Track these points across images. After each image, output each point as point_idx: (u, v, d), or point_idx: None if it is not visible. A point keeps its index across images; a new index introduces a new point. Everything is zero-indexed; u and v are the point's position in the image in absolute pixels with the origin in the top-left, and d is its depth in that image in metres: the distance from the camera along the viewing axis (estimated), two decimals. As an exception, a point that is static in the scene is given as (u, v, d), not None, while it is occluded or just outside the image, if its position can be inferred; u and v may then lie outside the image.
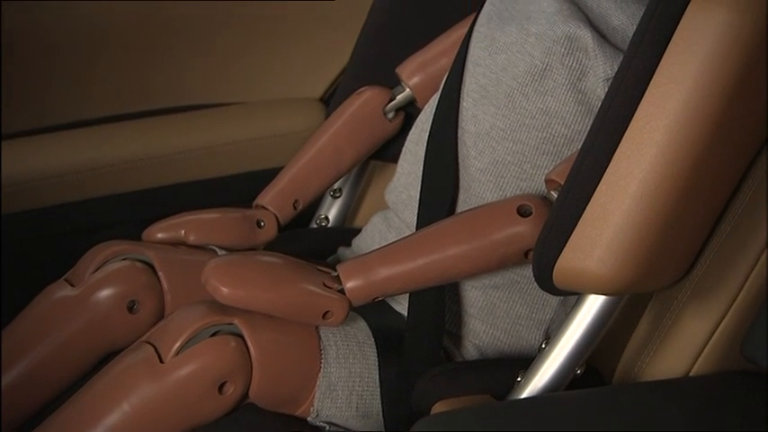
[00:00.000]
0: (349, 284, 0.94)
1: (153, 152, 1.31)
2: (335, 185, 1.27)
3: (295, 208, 1.16)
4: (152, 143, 1.32)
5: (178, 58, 1.37)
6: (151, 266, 1.04)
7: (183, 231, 1.09)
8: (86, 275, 1.03)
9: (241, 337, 0.93)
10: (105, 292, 1.01)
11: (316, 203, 1.27)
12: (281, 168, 1.19)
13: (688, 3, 0.80)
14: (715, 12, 0.78)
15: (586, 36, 0.95)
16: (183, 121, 1.36)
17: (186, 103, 1.39)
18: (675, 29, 0.80)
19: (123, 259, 1.04)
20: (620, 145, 0.83)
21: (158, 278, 1.03)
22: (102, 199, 1.30)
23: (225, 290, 0.91)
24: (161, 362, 0.91)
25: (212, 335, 0.93)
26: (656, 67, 0.81)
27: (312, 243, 1.22)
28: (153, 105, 1.37)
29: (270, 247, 1.15)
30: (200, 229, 1.09)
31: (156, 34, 1.34)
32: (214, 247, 1.09)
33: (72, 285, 1.03)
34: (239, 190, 1.34)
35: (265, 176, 1.20)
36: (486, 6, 1.08)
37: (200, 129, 1.36)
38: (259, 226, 1.13)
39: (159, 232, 1.09)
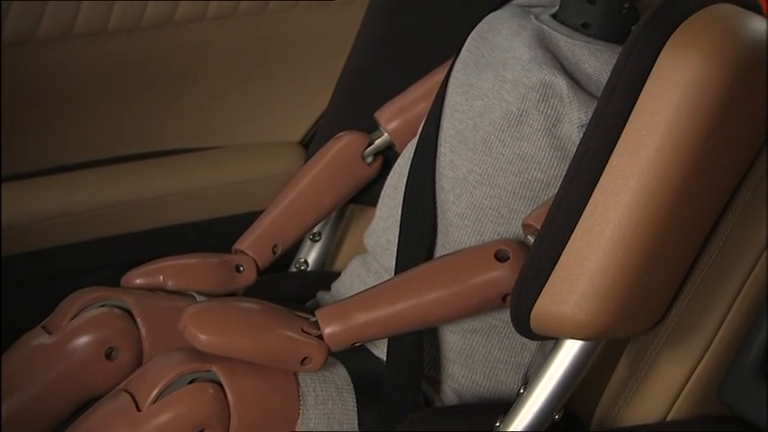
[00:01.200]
0: (327, 330, 0.94)
1: (132, 197, 1.32)
2: (315, 229, 1.27)
3: (274, 252, 1.16)
4: (131, 188, 1.32)
5: (157, 103, 1.37)
6: (129, 313, 1.03)
7: (161, 277, 1.08)
8: (64, 323, 1.03)
9: (219, 384, 0.93)
10: (83, 340, 1.01)
11: (295, 247, 1.27)
12: (261, 212, 1.19)
13: (659, 51, 0.81)
14: (686, 60, 0.79)
15: (561, 83, 0.97)
16: (162, 166, 1.37)
17: (165, 148, 1.39)
18: (647, 77, 0.81)
19: (101, 306, 1.04)
20: (595, 191, 0.84)
21: (136, 325, 1.03)
22: (81, 244, 1.29)
23: (203, 337, 0.91)
24: (138, 410, 0.91)
25: (190, 382, 0.92)
26: (629, 115, 0.82)
27: (291, 287, 1.22)
28: (131, 150, 1.37)
29: (249, 291, 1.15)
30: (178, 275, 1.09)
31: (135, 80, 1.34)
32: (193, 293, 1.09)
33: (49, 333, 1.03)
34: (219, 234, 1.34)
35: (245, 220, 1.21)
36: (463, 53, 1.10)
37: (180, 173, 1.37)
38: (238, 271, 1.13)
39: (138, 278, 1.09)
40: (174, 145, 1.40)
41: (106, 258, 1.31)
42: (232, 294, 1.12)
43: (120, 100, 1.35)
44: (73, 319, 1.03)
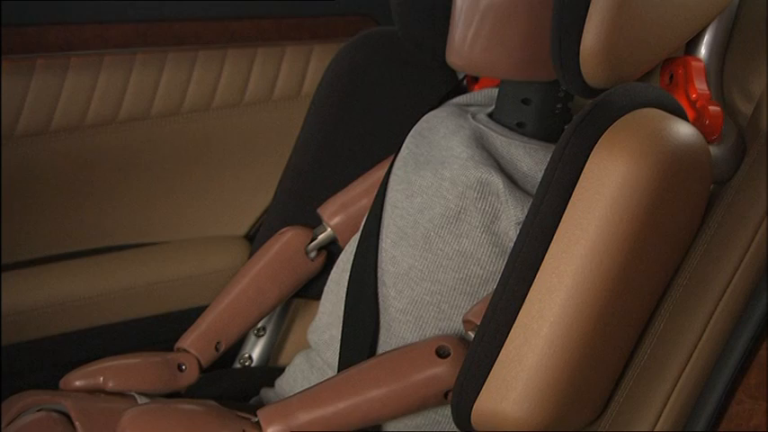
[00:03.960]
0: (269, 431, 0.94)
1: (72, 295, 1.30)
2: (259, 324, 1.27)
3: (217, 350, 1.16)
4: (72, 286, 1.31)
5: (100, 199, 1.37)
6: (68, 416, 1.02)
7: (101, 378, 1.07)
8: (0, 429, 1.01)
9: None
10: (19, 446, 0.99)
11: (240, 342, 1.27)
12: (206, 307, 1.19)
13: (590, 153, 0.84)
14: (614, 162, 0.82)
15: (497, 181, 0.99)
16: (105, 263, 1.36)
17: (109, 245, 1.38)
18: (579, 177, 0.84)
19: (39, 410, 1.02)
20: (531, 289, 0.86)
21: (75, 429, 1.01)
22: (20, 344, 1.27)
23: (142, 440, 0.90)
24: None
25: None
26: (563, 214, 0.84)
27: (235, 384, 1.21)
28: (73, 247, 1.36)
29: (192, 389, 1.14)
30: (119, 376, 1.08)
31: (78, 176, 1.34)
32: (134, 394, 1.08)
33: (-15, 438, 1.01)
34: (163, 331, 1.33)
35: (190, 316, 1.20)
36: (403, 150, 1.12)
37: (123, 270, 1.36)
38: (180, 370, 1.12)
39: (77, 380, 1.07)
40: (117, 241, 1.39)
41: (45, 358, 1.29)
42: (174, 394, 1.11)
43: (62, 196, 1.34)
44: (9, 424, 1.01)
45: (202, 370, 1.15)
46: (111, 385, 1.07)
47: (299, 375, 1.13)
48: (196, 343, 1.15)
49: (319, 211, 1.22)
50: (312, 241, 1.22)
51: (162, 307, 1.37)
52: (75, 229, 1.36)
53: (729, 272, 0.89)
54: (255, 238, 1.30)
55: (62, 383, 1.08)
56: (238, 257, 1.41)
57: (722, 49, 0.95)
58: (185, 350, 1.15)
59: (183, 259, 1.41)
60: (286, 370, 1.17)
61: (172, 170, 1.42)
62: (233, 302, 1.18)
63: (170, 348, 1.16)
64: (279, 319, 1.29)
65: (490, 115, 1.07)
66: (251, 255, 1.25)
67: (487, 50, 0.97)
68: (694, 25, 0.90)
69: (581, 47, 0.86)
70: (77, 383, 1.07)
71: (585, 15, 0.85)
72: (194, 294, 1.38)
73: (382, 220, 1.09)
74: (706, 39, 0.94)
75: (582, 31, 0.85)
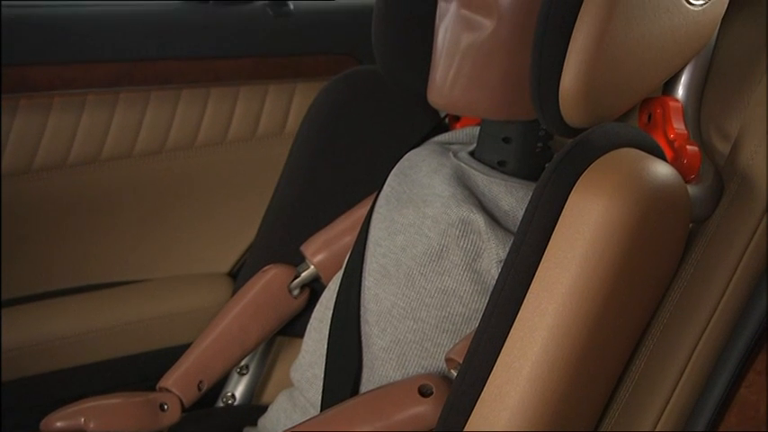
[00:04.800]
0: (252, 470, 0.94)
1: (54, 334, 1.30)
2: (242, 362, 1.27)
3: (200, 389, 1.15)
4: (53, 325, 1.30)
5: (84, 237, 1.37)
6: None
7: (82, 419, 1.06)
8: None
9: None
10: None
11: (223, 380, 1.26)
12: (189, 345, 1.18)
13: (569, 192, 0.84)
14: (593, 201, 0.82)
15: (479, 220, 0.99)
16: (85, 302, 1.36)
17: (89, 283, 1.38)
18: (558, 217, 0.84)
19: (19, 452, 1.01)
20: (513, 327, 0.86)
21: None
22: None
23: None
24: None
25: None
26: (543, 253, 0.85)
27: (217, 423, 1.21)
28: (53, 287, 1.36)
29: (175, 428, 1.13)
30: (100, 416, 1.07)
31: (61, 215, 1.34)
32: (116, 434, 1.07)
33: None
34: (146, 369, 1.32)
35: (172, 354, 1.20)
36: (386, 188, 1.12)
37: (104, 308, 1.36)
38: (162, 409, 1.11)
39: (57, 421, 1.06)
40: (100, 279, 1.39)
41: (25, 399, 1.28)
42: (156, 434, 1.11)
43: (45, 235, 1.34)
44: None
45: (185, 409, 1.14)
46: (92, 426, 1.07)
47: (281, 414, 1.13)
48: (178, 382, 1.14)
49: (302, 248, 1.22)
50: (295, 279, 1.22)
51: (145, 345, 1.36)
52: (57, 268, 1.36)
53: (710, 309, 0.90)
54: (239, 276, 1.30)
55: (42, 425, 1.07)
56: (222, 295, 1.41)
57: (699, 90, 0.96)
58: (168, 389, 1.14)
59: (166, 297, 1.41)
60: (269, 409, 1.17)
61: (156, 208, 1.42)
62: (216, 341, 1.17)
63: (154, 387, 1.15)
64: (262, 357, 1.29)
65: (472, 153, 1.07)
66: (234, 292, 1.25)
67: (468, 90, 0.98)
68: (671, 66, 0.91)
69: (560, 87, 0.87)
70: (58, 425, 1.06)
71: (564, 56, 0.86)
72: (178, 332, 1.37)
73: (365, 257, 1.10)
74: (683, 79, 0.95)
75: (561, 72, 0.86)
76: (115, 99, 1.31)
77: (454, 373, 0.97)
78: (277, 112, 1.42)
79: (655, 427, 0.91)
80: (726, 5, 0.92)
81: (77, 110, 1.29)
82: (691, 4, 0.88)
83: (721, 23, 0.94)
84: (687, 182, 0.90)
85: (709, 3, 0.89)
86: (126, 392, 1.12)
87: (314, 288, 1.24)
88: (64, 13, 1.30)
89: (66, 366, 1.31)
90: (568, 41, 0.85)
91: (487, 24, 0.95)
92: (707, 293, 0.89)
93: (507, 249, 0.98)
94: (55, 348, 1.30)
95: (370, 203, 1.15)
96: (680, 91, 0.95)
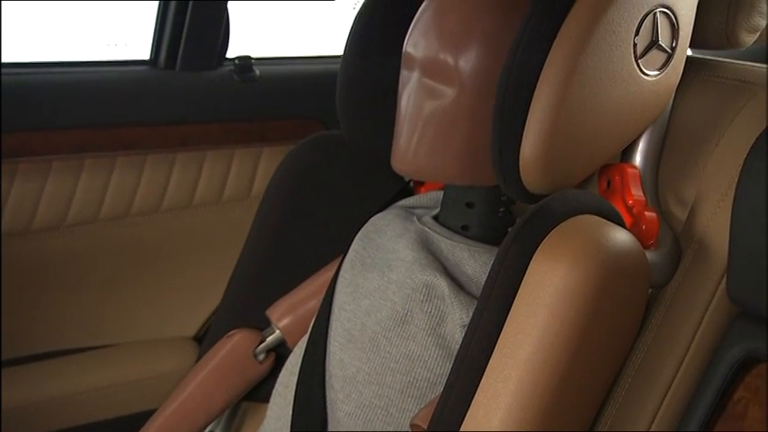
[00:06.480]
0: None
1: (12, 403, 1.28)
2: (208, 428, 1.25)
3: (164, 457, 1.14)
4: (12, 393, 1.29)
5: (47, 303, 1.36)
6: None
7: None
8: None
9: None
10: None
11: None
12: (154, 411, 1.17)
13: (530, 258, 0.85)
14: (554, 267, 0.83)
15: (442, 284, 1.00)
16: (48, 368, 1.34)
17: (53, 349, 1.37)
18: (520, 283, 0.85)
19: None
20: (477, 393, 0.86)
21: None
22: None
23: None
24: None
25: None
26: (505, 319, 0.86)
27: (182, 491, 1.19)
28: (18, 353, 1.34)
29: (137, 497, 1.12)
30: None
31: (23, 279, 1.33)
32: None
33: None
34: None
35: (137, 420, 1.19)
36: (350, 252, 1.13)
37: (67, 375, 1.34)
38: (126, 478, 1.10)
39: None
40: (64, 345, 1.38)
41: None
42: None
43: (8, 301, 1.33)
44: None
45: (148, 478, 1.13)
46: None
47: (247, 482, 1.12)
48: (143, 450, 1.13)
49: (268, 312, 1.22)
50: (261, 343, 1.22)
51: (110, 412, 1.35)
52: (19, 335, 1.35)
53: (670, 373, 0.91)
54: (204, 340, 1.30)
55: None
56: (187, 360, 1.40)
57: (656, 156, 0.98)
58: (131, 458, 1.13)
59: (130, 363, 1.40)
60: (234, 476, 1.15)
61: (121, 272, 1.42)
62: (180, 407, 1.17)
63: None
64: (227, 424, 1.28)
65: (436, 218, 1.08)
66: (200, 357, 1.24)
67: (431, 156, 0.99)
68: (628, 133, 0.93)
69: (520, 155, 0.88)
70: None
71: (524, 125, 0.87)
72: (142, 398, 1.36)
73: (330, 322, 1.10)
74: (640, 146, 0.97)
75: (521, 140, 0.88)
76: (80, 165, 1.32)
77: (420, 438, 0.96)
78: (243, 177, 1.43)
79: None
80: (679, 75, 0.94)
81: (42, 176, 1.29)
82: (645, 74, 0.90)
83: (675, 92, 0.97)
84: (646, 248, 0.91)
85: (663, 73, 0.91)
86: None
87: (279, 353, 1.24)
88: (31, 81, 1.31)
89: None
90: (527, 110, 0.87)
91: (449, 93, 0.97)
92: (668, 359, 0.90)
93: (471, 314, 0.98)
94: (17, 416, 1.28)
95: (336, 267, 1.15)
96: (637, 158, 0.97)
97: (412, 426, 0.98)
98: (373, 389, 1.03)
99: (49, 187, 1.30)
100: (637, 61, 0.89)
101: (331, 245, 1.23)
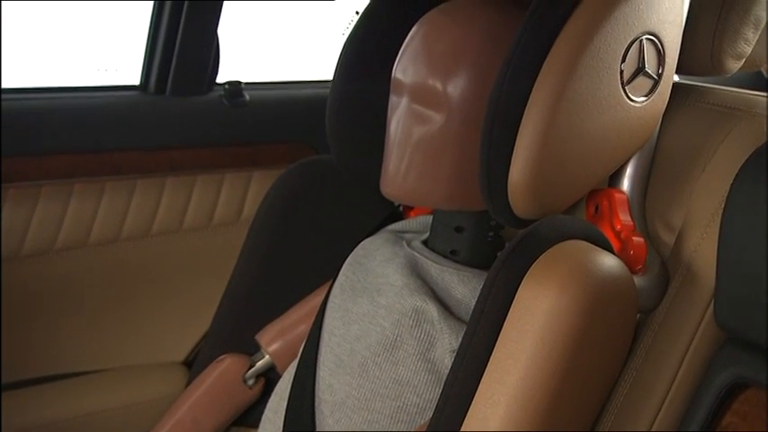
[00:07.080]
0: None
1: (6, 428, 1.27)
2: (197, 453, 1.25)
3: (152, 483, 1.14)
4: (5, 420, 1.28)
5: (37, 329, 1.36)
6: None
7: None
8: None
9: None
10: None
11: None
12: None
13: (519, 283, 0.86)
14: (542, 292, 0.84)
15: (432, 309, 1.00)
16: (38, 394, 1.33)
17: (43, 374, 1.36)
18: (509, 309, 0.85)
19: None
20: (466, 419, 0.86)
21: None
22: None
23: None
24: None
25: None
26: (494, 345, 0.86)
27: None
28: (8, 378, 1.33)
29: None
30: None
31: (13, 304, 1.33)
32: None
33: None
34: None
35: None
36: (340, 277, 1.13)
37: (57, 400, 1.34)
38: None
39: None
40: (54, 370, 1.37)
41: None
42: None
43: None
44: None
45: (136, 504, 1.13)
46: None
47: (236, 508, 1.11)
48: (131, 476, 1.13)
49: (257, 337, 1.22)
50: (250, 368, 1.22)
51: (99, 438, 1.34)
52: (8, 360, 1.34)
53: (659, 398, 0.91)
54: (194, 365, 1.29)
55: None
56: (176, 385, 1.40)
57: (643, 182, 0.98)
58: (119, 484, 1.12)
59: (119, 388, 1.39)
60: (223, 502, 1.15)
61: (110, 297, 1.41)
62: (169, 433, 1.16)
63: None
64: (216, 449, 1.27)
65: (425, 242, 1.09)
66: (189, 381, 1.24)
67: (420, 182, 1.00)
68: (616, 159, 0.94)
69: (508, 180, 0.89)
70: None
71: (512, 150, 0.88)
72: (132, 424, 1.35)
73: (320, 347, 1.10)
74: (628, 172, 0.98)
75: (509, 166, 0.88)
76: (70, 190, 1.32)
77: (409, 464, 0.96)
78: (233, 201, 1.43)
79: None
80: (666, 102, 0.95)
81: (31, 201, 1.29)
82: (632, 100, 0.91)
83: (662, 118, 0.98)
84: (634, 273, 0.92)
85: (650, 99, 0.92)
86: None
87: (269, 377, 1.23)
88: (21, 107, 1.31)
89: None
90: (516, 136, 0.87)
91: (438, 118, 0.97)
92: (656, 384, 0.90)
93: (459, 339, 0.98)
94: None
95: (325, 292, 1.16)
96: (625, 183, 0.98)
97: (402, 451, 0.98)
98: (363, 414, 1.02)
99: (38, 212, 1.30)
100: (624, 87, 0.89)
101: (321, 269, 1.23)
